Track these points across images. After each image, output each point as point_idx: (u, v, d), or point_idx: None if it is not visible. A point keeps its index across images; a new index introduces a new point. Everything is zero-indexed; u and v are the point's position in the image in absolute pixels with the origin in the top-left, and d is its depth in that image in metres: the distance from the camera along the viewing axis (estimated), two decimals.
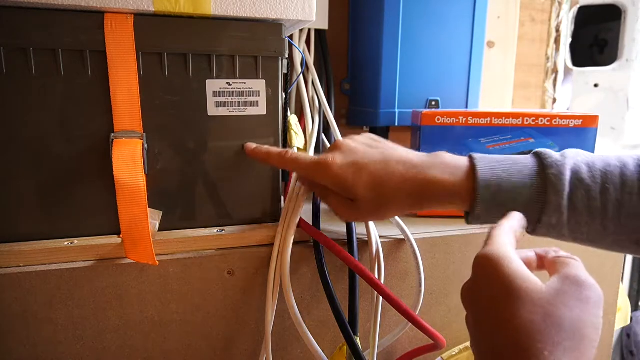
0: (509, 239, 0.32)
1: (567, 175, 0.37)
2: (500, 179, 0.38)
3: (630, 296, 1.30)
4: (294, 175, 0.49)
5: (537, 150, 0.40)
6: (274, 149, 0.44)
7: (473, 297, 0.31)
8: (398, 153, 0.41)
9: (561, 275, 0.29)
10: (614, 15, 1.18)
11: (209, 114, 0.44)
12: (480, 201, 0.38)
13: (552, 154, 0.39)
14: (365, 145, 0.42)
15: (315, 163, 0.41)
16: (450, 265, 0.52)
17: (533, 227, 0.38)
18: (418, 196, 0.39)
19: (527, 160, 0.39)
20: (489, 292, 0.29)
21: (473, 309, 0.31)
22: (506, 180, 0.38)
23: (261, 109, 0.46)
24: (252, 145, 0.45)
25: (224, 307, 0.45)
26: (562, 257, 0.31)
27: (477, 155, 0.40)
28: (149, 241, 0.40)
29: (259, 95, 0.45)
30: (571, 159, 0.38)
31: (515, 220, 0.34)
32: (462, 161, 0.40)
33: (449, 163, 0.39)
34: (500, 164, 0.39)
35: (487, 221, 0.39)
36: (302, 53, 0.64)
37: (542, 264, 0.33)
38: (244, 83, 0.45)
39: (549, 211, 0.37)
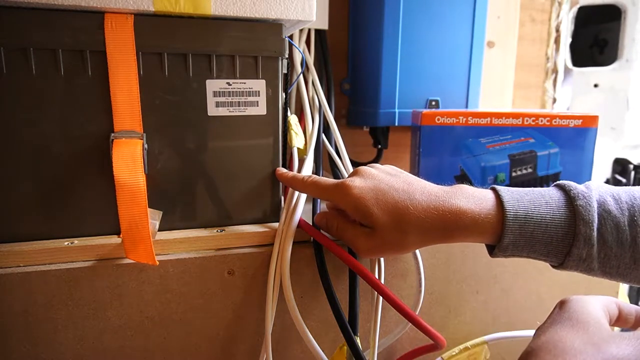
0: (601, 305, 0.35)
1: (595, 206, 0.36)
2: (527, 209, 0.37)
3: (630, 296, 1.30)
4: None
5: (558, 182, 0.39)
6: (299, 175, 0.45)
7: (542, 329, 0.33)
8: (421, 184, 0.40)
9: (636, 332, 0.31)
10: (614, 15, 1.19)
11: (209, 114, 0.44)
12: (508, 232, 0.37)
13: (576, 185, 0.38)
14: (386, 174, 0.41)
15: (334, 185, 0.41)
16: (450, 265, 0.52)
17: (562, 260, 0.38)
18: (442, 226, 0.38)
19: (552, 192, 0.38)
20: (555, 320, 0.32)
21: (536, 335, 0.33)
22: (534, 212, 0.37)
23: (261, 109, 0.46)
24: (281, 170, 0.48)
25: (224, 307, 0.45)
26: None
27: (500, 187, 0.39)
28: (149, 241, 0.40)
29: (259, 95, 0.45)
30: (595, 191, 0.37)
31: (612, 302, 0.36)
32: (485, 192, 0.39)
33: (472, 193, 0.39)
34: (526, 195, 0.38)
35: (513, 254, 0.38)
36: (302, 53, 0.64)
37: None
38: (244, 83, 0.45)
39: (579, 243, 0.36)
